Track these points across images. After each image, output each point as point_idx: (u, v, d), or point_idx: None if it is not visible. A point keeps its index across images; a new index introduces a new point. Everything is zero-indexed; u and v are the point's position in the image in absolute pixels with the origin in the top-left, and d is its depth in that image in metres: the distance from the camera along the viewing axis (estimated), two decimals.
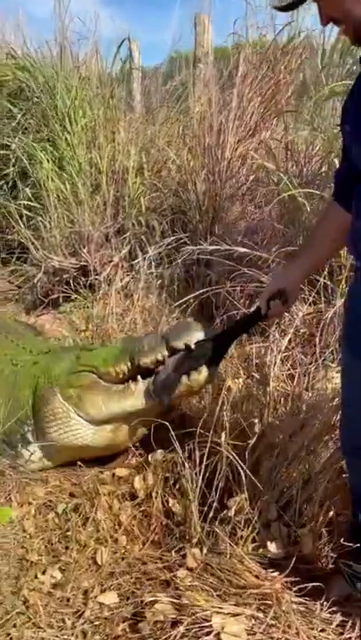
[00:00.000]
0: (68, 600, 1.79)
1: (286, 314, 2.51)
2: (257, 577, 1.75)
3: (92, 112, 4.94)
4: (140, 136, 4.78)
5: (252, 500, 1.91)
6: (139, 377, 2.22)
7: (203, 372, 2.10)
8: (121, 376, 2.25)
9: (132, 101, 6.00)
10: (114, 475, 2.49)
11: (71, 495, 2.34)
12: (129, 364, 2.23)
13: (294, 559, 1.70)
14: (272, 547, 1.80)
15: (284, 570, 1.74)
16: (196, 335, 2.10)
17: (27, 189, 4.71)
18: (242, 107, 3.81)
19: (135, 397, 2.21)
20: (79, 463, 2.56)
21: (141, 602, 1.74)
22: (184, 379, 2.11)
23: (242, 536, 1.86)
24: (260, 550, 1.83)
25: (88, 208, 4.44)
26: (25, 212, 4.65)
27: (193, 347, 2.09)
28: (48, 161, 4.57)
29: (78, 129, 4.78)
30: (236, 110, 3.81)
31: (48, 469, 2.53)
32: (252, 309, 2.06)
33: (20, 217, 4.62)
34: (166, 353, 2.15)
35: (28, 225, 4.64)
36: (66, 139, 4.75)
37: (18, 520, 2.21)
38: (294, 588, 1.68)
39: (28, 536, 2.14)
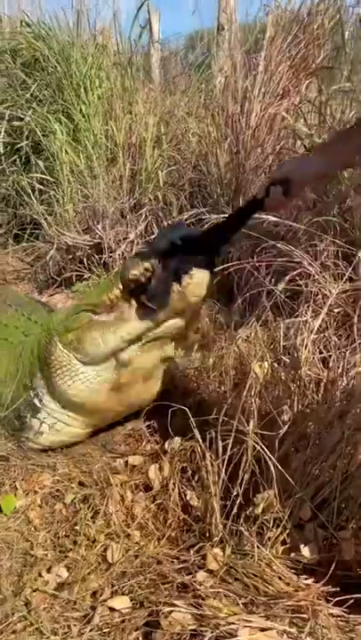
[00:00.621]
0: (75, 603, 1.60)
1: (321, 291, 2.27)
2: (288, 584, 1.54)
3: (108, 81, 4.70)
4: (158, 106, 4.53)
5: (282, 497, 1.69)
6: (132, 299, 2.05)
7: (195, 276, 1.89)
8: (115, 301, 2.09)
9: (151, 72, 5.73)
10: (127, 463, 2.30)
11: (81, 484, 2.15)
12: (120, 285, 2.05)
13: (333, 566, 1.48)
14: (306, 550, 1.59)
15: (319, 577, 1.53)
16: (181, 232, 1.91)
17: (40, 162, 4.49)
18: (269, 71, 3.53)
19: (130, 322, 2.04)
20: (89, 450, 2.41)
21: (156, 608, 1.54)
22: (175, 286, 1.91)
23: (270, 537, 1.66)
24: (292, 554, 1.62)
25: (103, 182, 4.21)
26: (38, 185, 4.44)
27: (179, 243, 1.89)
28: (62, 132, 4.34)
29: (94, 98, 4.54)
30: (263, 75, 3.54)
31: (59, 444, 2.38)
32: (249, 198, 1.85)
33: (33, 191, 4.41)
34: (154, 260, 1.95)
35: (41, 200, 4.44)
36: (81, 109, 4.52)
37: (23, 510, 2.03)
38: (333, 600, 1.47)
39: (33, 528, 1.96)
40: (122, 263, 2.31)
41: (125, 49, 5.03)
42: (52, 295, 4.33)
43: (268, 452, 1.70)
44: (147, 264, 1.95)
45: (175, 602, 1.47)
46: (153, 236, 2.08)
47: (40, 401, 2.29)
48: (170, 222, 2.14)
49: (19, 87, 5.14)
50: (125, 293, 2.05)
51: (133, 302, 2.04)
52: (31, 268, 4.81)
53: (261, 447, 1.70)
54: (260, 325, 2.66)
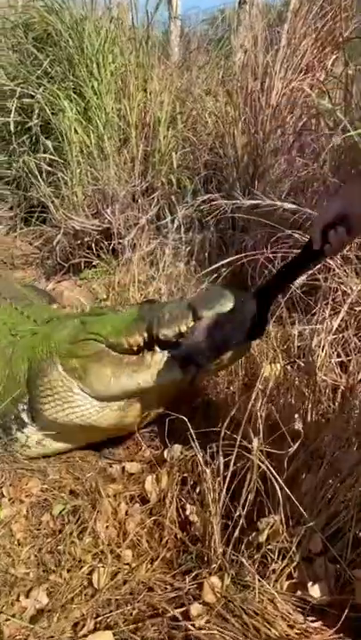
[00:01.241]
0: (52, 637, 1.43)
1: (341, 287, 2.04)
2: (292, 627, 1.35)
3: (123, 57, 4.44)
4: (174, 84, 4.27)
5: (290, 524, 1.49)
6: (156, 347, 1.83)
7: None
8: (135, 348, 1.86)
9: (170, 49, 5.45)
10: (124, 469, 2.12)
11: (72, 493, 1.99)
12: (145, 334, 1.82)
13: (347, 610, 1.28)
14: (314, 589, 1.39)
15: (329, 621, 1.33)
16: (231, 304, 1.70)
17: (48, 142, 4.28)
18: (293, 45, 3.27)
19: (151, 371, 1.82)
20: (84, 454, 2.23)
21: None
22: None
23: (275, 569, 1.46)
24: (299, 592, 1.42)
25: (114, 164, 3.99)
26: (45, 167, 4.24)
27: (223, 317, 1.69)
28: (71, 110, 4.12)
29: (107, 75, 4.29)
30: (286, 49, 3.27)
31: (47, 456, 2.19)
32: (302, 247, 1.54)
33: (40, 172, 4.21)
34: (192, 323, 1.75)
35: (49, 182, 4.24)
36: (93, 86, 4.28)
37: (7, 522, 1.86)
38: None
39: (16, 542, 1.79)
40: (145, 303, 2.07)
41: (142, 23, 4.77)
42: (59, 282, 4.15)
43: (276, 473, 1.50)
44: (184, 327, 1.75)
45: None
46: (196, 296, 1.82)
47: (27, 416, 2.08)
48: (215, 286, 1.85)
49: (30, 63, 4.92)
50: (149, 344, 1.83)
51: (157, 351, 1.83)
52: (39, 253, 4.65)
53: (268, 467, 1.50)
54: (274, 322, 2.45)
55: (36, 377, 2.02)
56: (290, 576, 1.45)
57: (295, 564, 1.44)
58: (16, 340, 2.29)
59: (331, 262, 2.19)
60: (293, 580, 1.45)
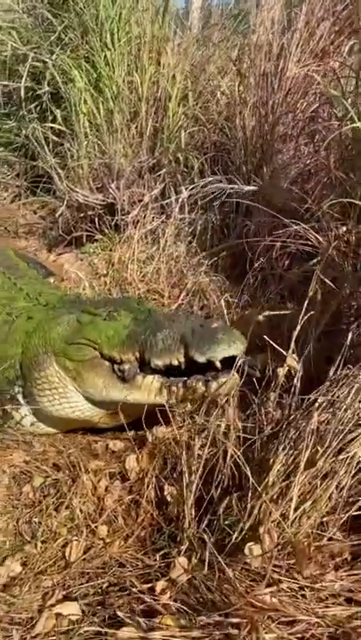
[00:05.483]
0: (22, 605, 1.48)
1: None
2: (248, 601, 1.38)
3: (138, 27, 4.34)
4: (188, 59, 4.18)
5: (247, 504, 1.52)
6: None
7: (225, 385, 1.78)
8: (127, 366, 1.92)
9: (189, 21, 5.33)
10: (107, 446, 2.16)
11: (54, 466, 2.03)
12: (137, 354, 1.89)
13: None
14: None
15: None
16: (225, 352, 1.73)
17: (58, 111, 4.22)
18: (310, 27, 3.19)
19: (142, 392, 1.91)
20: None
21: (109, 619, 1.41)
22: (200, 387, 1.81)
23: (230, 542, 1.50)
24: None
25: (122, 138, 3.95)
26: (52, 137, 4.20)
27: (218, 365, 1.74)
28: (81, 79, 4.05)
29: (120, 46, 4.20)
30: (303, 32, 3.19)
31: (43, 433, 2.24)
32: None
33: (48, 142, 4.17)
34: (183, 359, 1.80)
35: (55, 152, 4.20)
36: (105, 56, 4.20)
37: None
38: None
39: None
40: (144, 317, 2.03)
41: None
42: (60, 254, 4.16)
43: (243, 459, 1.54)
44: (174, 361, 1.81)
45: (126, 618, 1.33)
46: (192, 330, 1.82)
47: (22, 398, 2.16)
48: (213, 326, 1.84)
49: (44, 28, 4.83)
50: (141, 363, 1.90)
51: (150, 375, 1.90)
52: (42, 223, 4.65)
53: (236, 454, 1.53)
54: (268, 310, 2.45)
55: (33, 369, 2.09)
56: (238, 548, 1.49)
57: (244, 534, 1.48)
58: (11, 319, 2.33)
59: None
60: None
